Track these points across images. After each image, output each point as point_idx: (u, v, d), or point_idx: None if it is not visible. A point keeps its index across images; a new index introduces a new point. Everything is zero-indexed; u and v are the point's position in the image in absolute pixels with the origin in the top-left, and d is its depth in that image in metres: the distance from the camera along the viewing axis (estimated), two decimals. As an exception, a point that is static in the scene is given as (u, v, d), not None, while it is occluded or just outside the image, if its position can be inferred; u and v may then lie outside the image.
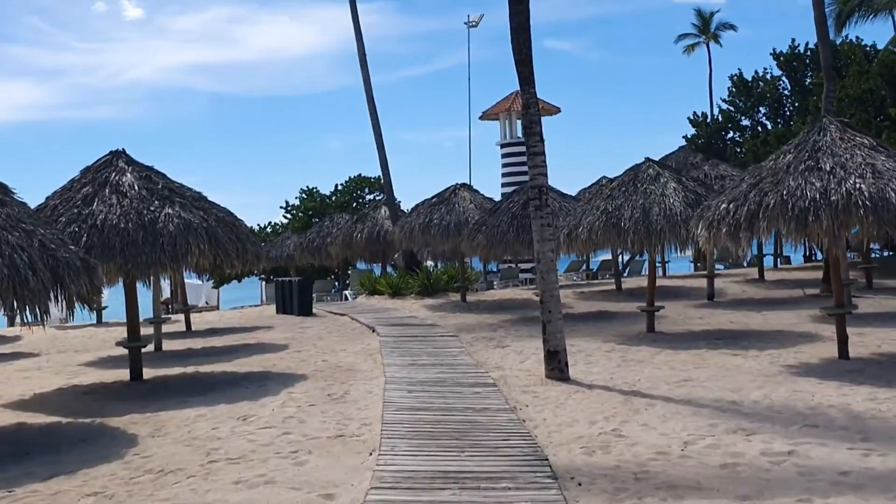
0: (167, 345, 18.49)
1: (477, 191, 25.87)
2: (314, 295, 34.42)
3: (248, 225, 14.46)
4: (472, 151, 59.66)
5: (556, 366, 11.88)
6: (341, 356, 15.00)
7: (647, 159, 16.94)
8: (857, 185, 11.57)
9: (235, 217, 13.83)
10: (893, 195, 11.38)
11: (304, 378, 12.70)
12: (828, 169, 11.98)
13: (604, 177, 28.68)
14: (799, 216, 11.59)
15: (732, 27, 55.27)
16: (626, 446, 8.31)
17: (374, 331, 18.60)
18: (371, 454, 8.07)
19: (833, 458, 7.58)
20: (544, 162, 12.04)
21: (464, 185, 25.76)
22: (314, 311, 24.83)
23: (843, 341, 12.89)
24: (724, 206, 12.59)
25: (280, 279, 26.76)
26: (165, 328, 22.62)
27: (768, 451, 7.86)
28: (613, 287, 27.17)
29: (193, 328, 22.31)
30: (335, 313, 23.96)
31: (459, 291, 25.40)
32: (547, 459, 7.72)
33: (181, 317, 23.65)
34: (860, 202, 11.39)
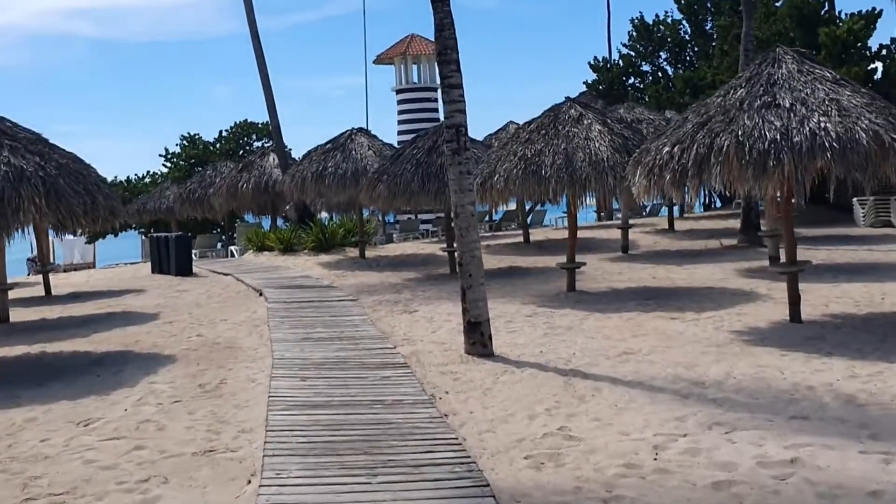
0: (16, 314, 15.79)
1: (375, 136, 23.57)
2: (196, 251, 31.72)
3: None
4: (368, 98, 56.95)
5: (479, 339, 10.00)
6: (221, 329, 12.76)
7: (568, 98, 15.10)
8: (823, 124, 9.99)
9: (84, 164, 11.37)
10: (863, 135, 9.84)
11: (172, 360, 10.44)
12: (787, 105, 10.36)
13: (511, 122, 26.91)
14: (757, 160, 9.94)
15: (632, -30, 53.97)
16: (581, 454, 6.49)
17: (261, 294, 16.36)
18: (249, 482, 6.00)
19: (848, 468, 5.94)
20: (462, 97, 10.00)
21: (361, 129, 23.44)
22: (195, 270, 22.30)
23: (794, 302, 11.45)
24: (666, 149, 10.86)
25: (155, 235, 24.04)
26: (21, 293, 19.84)
27: (765, 460, 6.16)
28: (521, 239, 25.55)
29: (54, 292, 19.53)
30: (218, 273, 21.52)
31: (358, 247, 23.28)
32: (486, 483, 5.81)
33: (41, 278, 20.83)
34: (826, 143, 9.81)
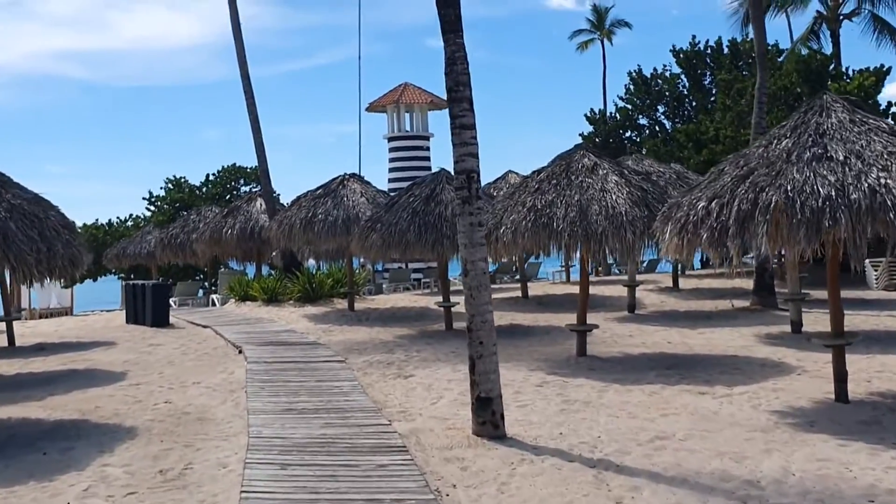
0: (-32, 369, 14.33)
1: (369, 182, 22.34)
2: (176, 299, 30.23)
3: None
4: (361, 146, 55.98)
5: (489, 418, 8.63)
6: (192, 393, 11.33)
7: (580, 146, 13.93)
8: (883, 181, 8.79)
9: (43, 205, 10.06)
10: (929, 194, 8.64)
11: (133, 434, 9.00)
12: (840, 159, 9.17)
13: (510, 171, 25.78)
14: (810, 219, 8.71)
15: (627, 24, 53.65)
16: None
17: (240, 352, 14.94)
18: None
19: None
20: (475, 139, 8.77)
21: (353, 175, 22.22)
22: (172, 320, 20.87)
23: (841, 380, 10.15)
24: (701, 204, 9.63)
25: (131, 282, 22.59)
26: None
27: None
28: (518, 294, 24.26)
29: (20, 342, 18.06)
30: (197, 324, 20.09)
31: (346, 298, 21.92)
32: None
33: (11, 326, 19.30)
34: (889, 202, 8.60)
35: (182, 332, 18.99)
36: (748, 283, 25.46)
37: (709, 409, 10.02)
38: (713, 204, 9.47)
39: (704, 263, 36.75)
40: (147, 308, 20.53)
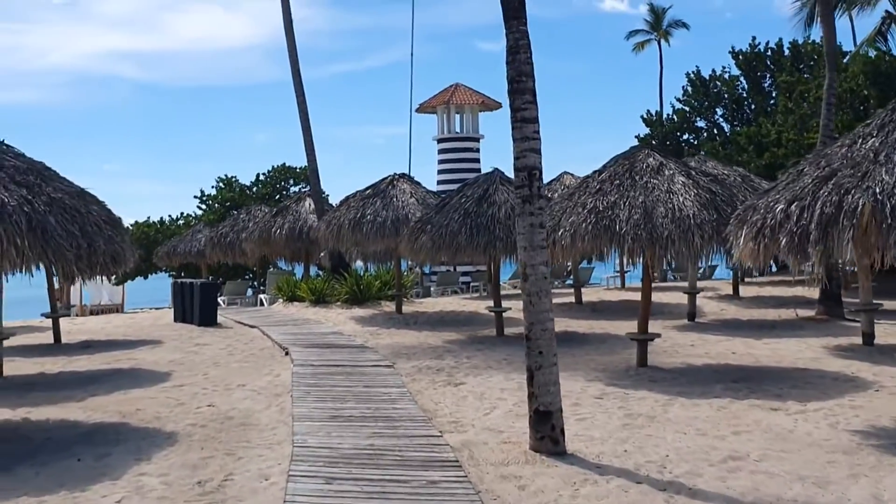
0: (15, 366, 14.13)
1: (419, 183, 21.86)
2: (225, 298, 30.09)
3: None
4: (411, 147, 55.70)
5: (548, 433, 8.04)
6: (236, 397, 10.92)
7: (643, 145, 13.27)
8: (984, 183, 8.03)
9: (86, 200, 9.69)
10: None
11: (173, 441, 8.59)
12: (935, 159, 8.42)
13: (565, 172, 25.11)
14: (904, 224, 7.98)
15: (685, 25, 52.71)
16: None
17: (287, 353, 14.54)
18: None
19: None
20: (538, 133, 8.20)
21: (403, 175, 21.77)
22: (220, 319, 20.62)
23: (930, 398, 9.36)
24: (780, 207, 8.94)
25: (179, 280, 22.40)
26: (30, 339, 18.30)
27: None
28: (572, 300, 23.57)
29: (67, 339, 17.93)
30: (244, 324, 19.80)
31: (394, 301, 21.46)
32: None
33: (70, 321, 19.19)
34: None
35: (229, 331, 18.70)
36: (811, 292, 24.54)
37: (783, 426, 9.31)
38: (793, 207, 8.80)
39: (760, 272, 35.70)
40: (195, 307, 20.31)
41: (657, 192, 12.25)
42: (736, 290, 24.73)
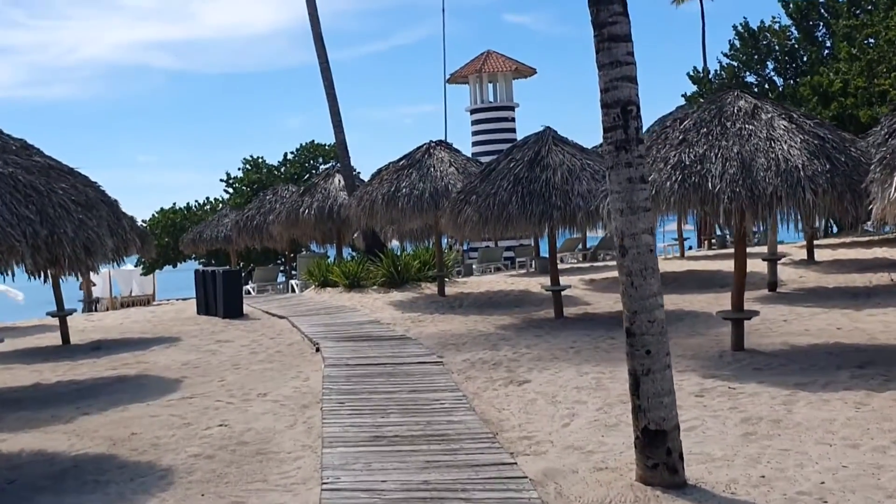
0: (9, 375, 12.36)
1: (458, 150, 19.75)
2: (254, 286, 28.31)
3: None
4: (445, 120, 53.44)
5: (663, 460, 5.95)
6: (255, 411, 8.95)
7: (733, 86, 11.02)
8: None
9: (52, 175, 7.72)
10: None
11: (168, 481, 6.62)
12: None
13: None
14: None
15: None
16: None
17: (318, 350, 12.59)
18: None
19: None
20: (631, 56, 6.05)
21: (440, 142, 19.64)
22: (248, 309, 18.78)
23: None
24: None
25: (202, 269, 20.55)
26: (38, 341, 16.58)
27: None
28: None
29: (81, 338, 16.22)
30: (272, 314, 17.94)
31: (436, 282, 19.44)
32: None
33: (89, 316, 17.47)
34: None
35: (255, 324, 16.83)
36: (891, 253, 22.16)
37: (957, 430, 7.15)
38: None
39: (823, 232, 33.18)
40: (218, 298, 18.47)
41: (755, 139, 10.03)
42: (811, 253, 22.35)
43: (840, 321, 13.15)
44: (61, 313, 15.79)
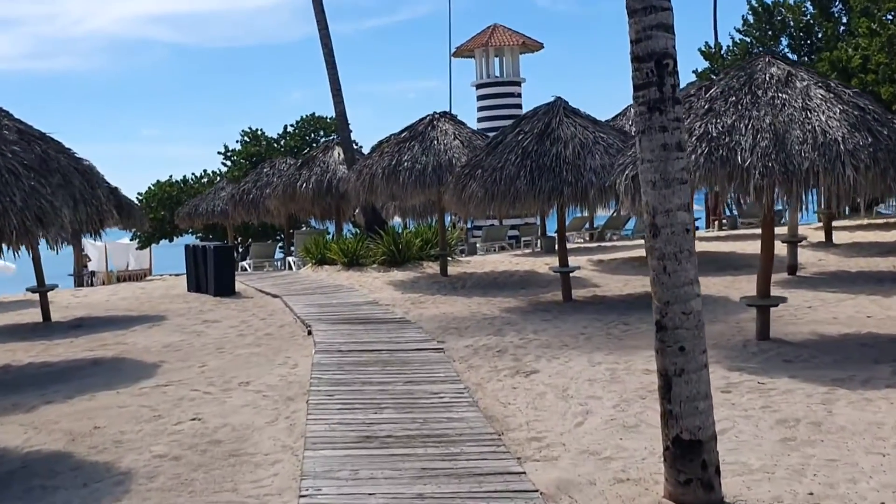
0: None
1: (463, 123, 18.79)
2: (251, 262, 27.44)
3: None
4: (450, 95, 52.16)
5: (698, 475, 5.09)
6: (234, 403, 8.10)
7: (765, 51, 10.10)
8: None
9: (54, 148, 6.82)
10: None
11: (123, 489, 5.76)
12: None
13: (631, 106, 21.80)
14: None
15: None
16: None
17: (310, 333, 11.75)
18: None
19: None
20: (667, 1, 5.13)
21: (444, 113, 18.68)
22: (241, 287, 17.93)
23: None
24: None
25: (193, 245, 19.68)
26: (19, 317, 15.77)
27: None
28: (641, 252, 20.43)
29: (64, 315, 15.39)
30: (266, 293, 17.08)
31: (438, 261, 18.57)
32: None
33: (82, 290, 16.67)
34: None
35: (247, 303, 15.99)
36: (911, 235, 21.33)
37: None
38: None
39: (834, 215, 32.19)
40: (209, 274, 17.61)
41: (789, 109, 9.11)
42: (829, 235, 21.43)
43: (869, 308, 12.30)
44: (41, 289, 14.94)
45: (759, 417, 7.07)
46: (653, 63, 5.05)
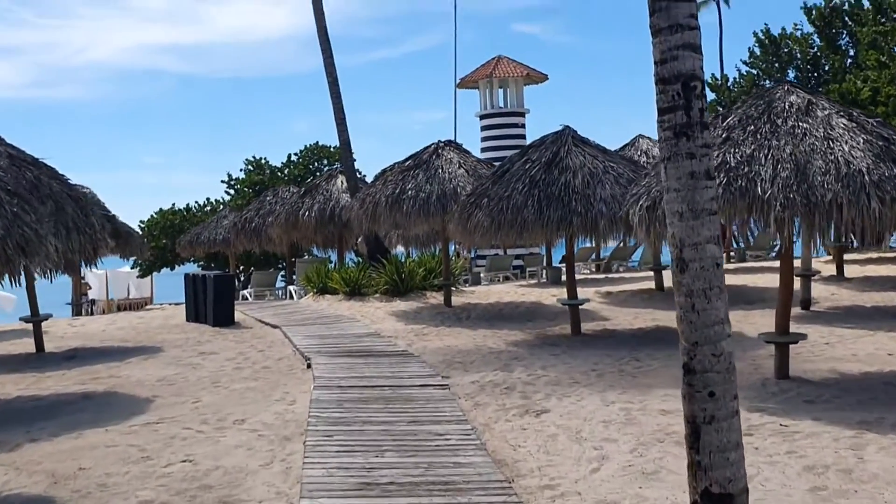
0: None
1: (468, 151, 18.48)
2: (252, 290, 27.08)
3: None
4: (455, 126, 52.13)
5: (728, 535, 4.65)
6: (227, 444, 7.67)
7: (785, 81, 9.79)
8: None
9: (46, 174, 6.48)
10: None
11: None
12: None
13: (640, 135, 21.48)
14: None
15: (746, -19, 48.50)
16: None
17: (308, 366, 11.33)
18: None
19: None
20: (695, 20, 4.78)
21: (449, 142, 18.38)
22: (240, 317, 17.54)
23: None
24: None
25: (193, 273, 19.30)
26: (13, 347, 15.35)
27: None
28: (651, 285, 20.02)
29: (59, 345, 14.99)
30: (266, 323, 16.68)
31: (442, 292, 18.17)
32: None
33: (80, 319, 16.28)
34: None
35: (246, 333, 15.58)
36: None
37: None
38: None
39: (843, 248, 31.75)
40: (208, 304, 17.22)
41: (810, 139, 8.75)
42: (840, 269, 21.03)
43: (889, 346, 11.88)
44: (35, 319, 14.54)
45: (785, 464, 6.64)
46: (679, 85, 4.68)
